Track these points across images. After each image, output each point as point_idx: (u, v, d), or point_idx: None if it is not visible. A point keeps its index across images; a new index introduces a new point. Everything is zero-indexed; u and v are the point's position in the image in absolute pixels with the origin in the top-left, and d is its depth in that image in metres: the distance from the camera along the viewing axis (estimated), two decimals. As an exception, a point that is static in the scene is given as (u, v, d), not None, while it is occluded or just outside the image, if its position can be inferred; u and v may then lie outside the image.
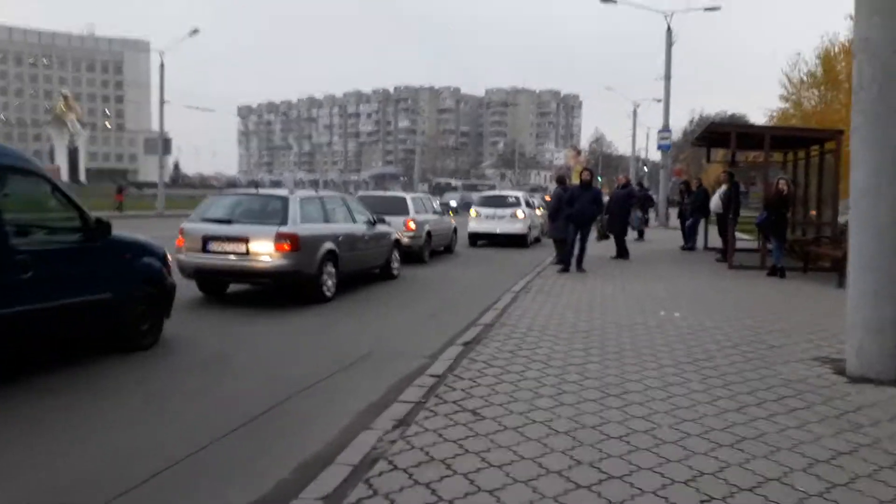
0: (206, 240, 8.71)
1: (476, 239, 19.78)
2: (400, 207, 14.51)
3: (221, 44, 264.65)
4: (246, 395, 5.05)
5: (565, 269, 12.03)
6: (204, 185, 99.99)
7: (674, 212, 34.16)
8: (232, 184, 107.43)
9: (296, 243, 8.63)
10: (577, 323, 7.25)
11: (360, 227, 10.63)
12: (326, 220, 9.66)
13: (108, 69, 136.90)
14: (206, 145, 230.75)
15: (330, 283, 9.32)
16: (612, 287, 10.13)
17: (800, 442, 3.83)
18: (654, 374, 5.25)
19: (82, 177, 75.87)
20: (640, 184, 29.17)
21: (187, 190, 65.63)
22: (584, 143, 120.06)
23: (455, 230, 17.70)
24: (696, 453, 3.63)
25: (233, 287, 9.73)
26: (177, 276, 9.17)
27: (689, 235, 17.33)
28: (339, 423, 4.37)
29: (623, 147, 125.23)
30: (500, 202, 19.92)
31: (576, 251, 12.20)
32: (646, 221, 22.20)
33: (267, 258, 8.53)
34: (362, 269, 10.75)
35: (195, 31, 38.76)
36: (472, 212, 20.03)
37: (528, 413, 4.26)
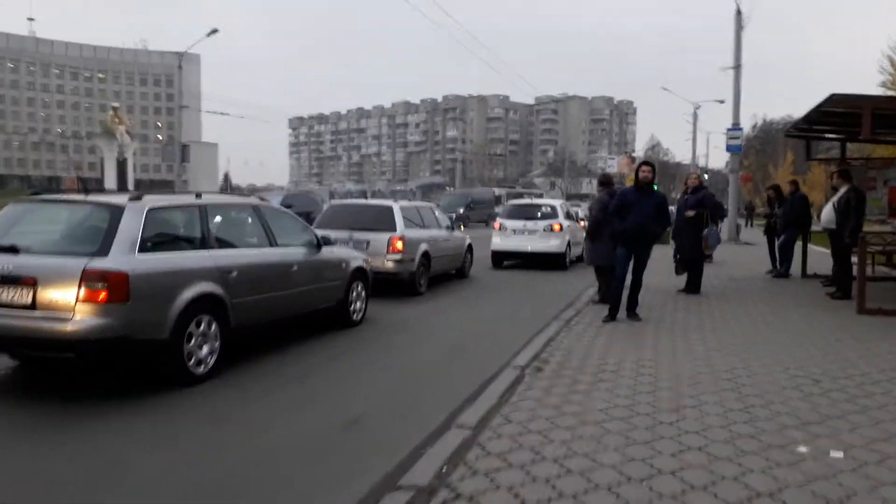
0: (-25, 281, 5.04)
1: (500, 259, 15.83)
2: (384, 221, 10.67)
3: (273, 57, 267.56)
4: None
5: (611, 317, 7.96)
6: (253, 194, 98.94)
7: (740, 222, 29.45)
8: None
9: (122, 289, 4.87)
10: (622, 484, 3.24)
11: (285, 253, 6.83)
12: (206, 243, 5.86)
13: (160, 82, 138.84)
14: (259, 156, 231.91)
15: (204, 351, 5.52)
16: (687, 359, 6.00)
17: None
18: None
19: (130, 187, 75.57)
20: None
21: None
22: (640, 150, 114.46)
23: (470, 248, 13.79)
24: None
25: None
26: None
27: (783, 257, 12.95)
28: None
29: (680, 154, 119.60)
30: (531, 213, 15.90)
31: (626, 284, 8.10)
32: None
33: (67, 315, 4.79)
34: (287, 316, 6.92)
35: (214, 31, 37.70)
36: (496, 224, 16.07)
37: None
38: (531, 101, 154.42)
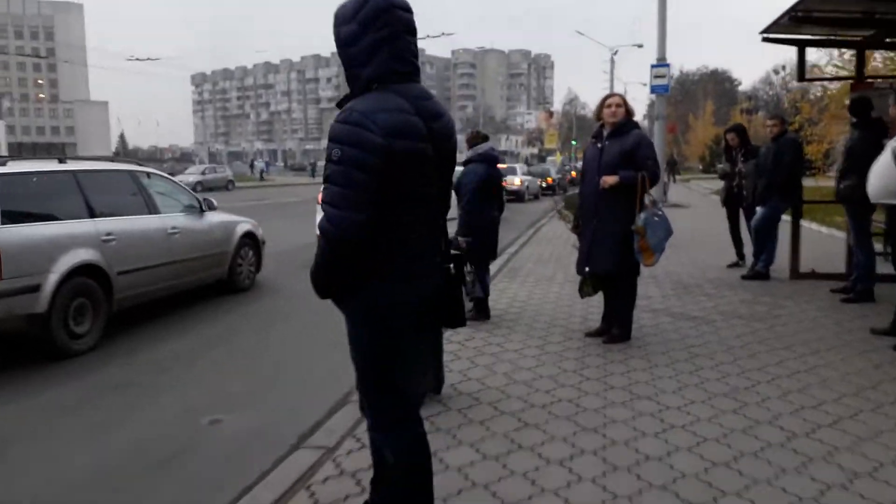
0: None
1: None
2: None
3: (175, 8, 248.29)
4: None
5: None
6: (153, 157, 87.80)
7: (673, 184, 24.56)
8: (186, 156, 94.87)
9: None
10: None
11: None
12: None
13: (38, 35, 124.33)
14: (159, 116, 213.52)
15: None
16: None
17: None
18: None
19: (4, 151, 64.38)
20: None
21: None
22: (558, 104, 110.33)
23: (249, 240, 8.12)
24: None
25: None
26: None
27: (761, 244, 7.79)
28: None
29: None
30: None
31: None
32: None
33: None
34: None
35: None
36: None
37: None
38: (448, 55, 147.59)
